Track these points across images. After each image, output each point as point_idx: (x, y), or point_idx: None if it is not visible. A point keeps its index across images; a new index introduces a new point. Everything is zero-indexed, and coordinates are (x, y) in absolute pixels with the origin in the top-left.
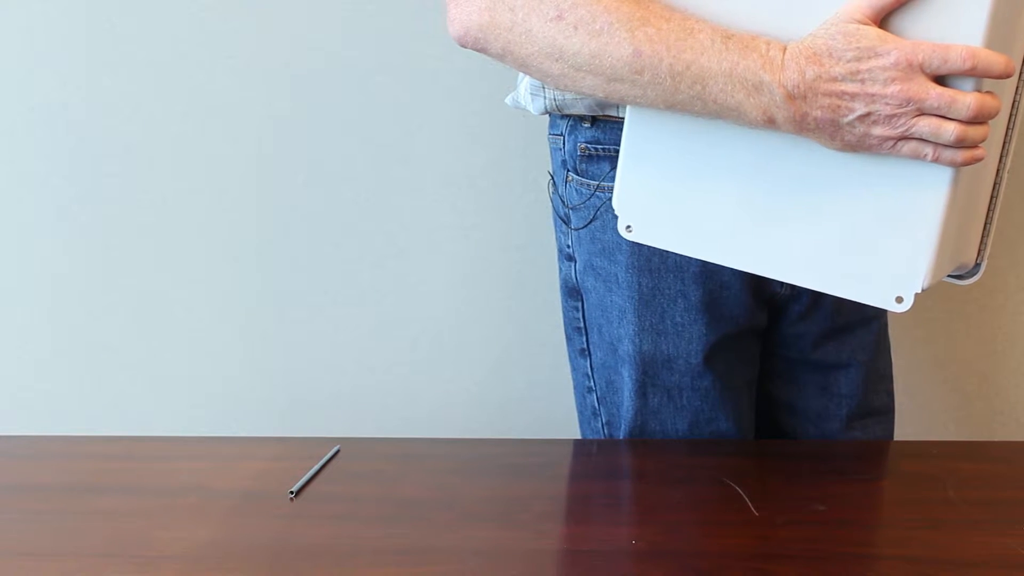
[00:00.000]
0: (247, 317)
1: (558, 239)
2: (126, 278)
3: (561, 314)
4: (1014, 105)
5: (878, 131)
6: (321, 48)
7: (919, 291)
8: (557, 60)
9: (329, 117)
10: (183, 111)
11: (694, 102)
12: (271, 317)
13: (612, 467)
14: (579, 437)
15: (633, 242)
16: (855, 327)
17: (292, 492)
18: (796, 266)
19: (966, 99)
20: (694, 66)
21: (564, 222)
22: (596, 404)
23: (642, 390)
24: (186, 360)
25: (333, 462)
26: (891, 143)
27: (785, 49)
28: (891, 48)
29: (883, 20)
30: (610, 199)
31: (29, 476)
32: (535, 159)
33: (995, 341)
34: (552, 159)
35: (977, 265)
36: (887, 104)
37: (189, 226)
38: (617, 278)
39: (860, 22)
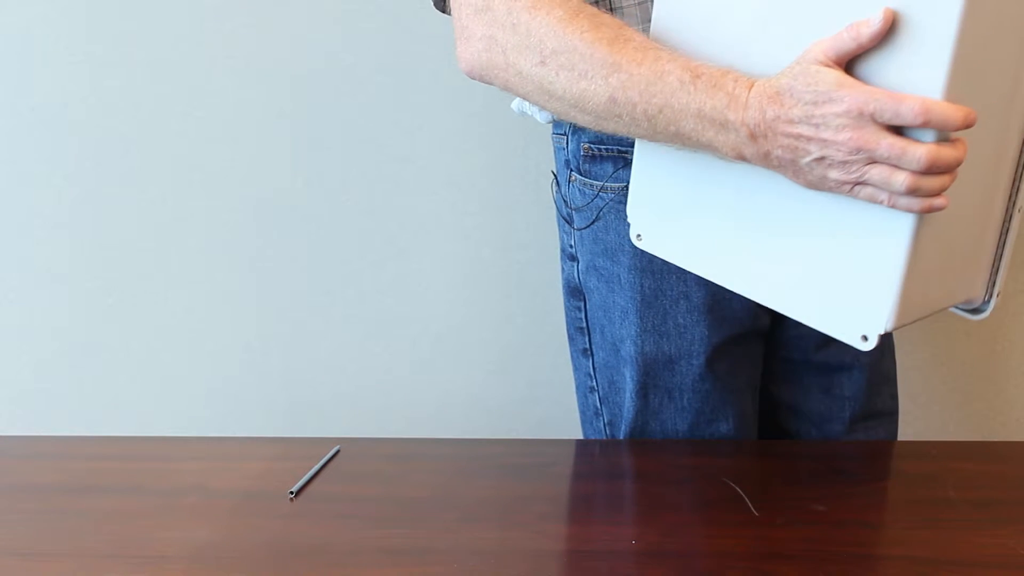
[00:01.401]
0: (247, 317)
1: (561, 239)
2: (126, 278)
3: (562, 314)
4: None
5: (834, 175)
6: (321, 48)
7: (882, 332)
8: (550, 98)
9: (329, 117)
10: (183, 111)
11: (673, 139)
12: (271, 317)
13: (612, 467)
14: (579, 437)
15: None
16: None
17: (292, 492)
18: (775, 292)
19: (917, 151)
20: (666, 109)
21: (567, 222)
22: (598, 404)
23: (643, 391)
24: (186, 360)
25: (333, 462)
26: (848, 187)
27: (752, 86)
28: (845, 95)
29: (851, 63)
30: (612, 200)
31: (29, 476)
32: (536, 159)
33: (995, 341)
34: (556, 158)
35: (987, 301)
36: (839, 151)
37: (189, 226)
38: (619, 279)
39: (822, 64)
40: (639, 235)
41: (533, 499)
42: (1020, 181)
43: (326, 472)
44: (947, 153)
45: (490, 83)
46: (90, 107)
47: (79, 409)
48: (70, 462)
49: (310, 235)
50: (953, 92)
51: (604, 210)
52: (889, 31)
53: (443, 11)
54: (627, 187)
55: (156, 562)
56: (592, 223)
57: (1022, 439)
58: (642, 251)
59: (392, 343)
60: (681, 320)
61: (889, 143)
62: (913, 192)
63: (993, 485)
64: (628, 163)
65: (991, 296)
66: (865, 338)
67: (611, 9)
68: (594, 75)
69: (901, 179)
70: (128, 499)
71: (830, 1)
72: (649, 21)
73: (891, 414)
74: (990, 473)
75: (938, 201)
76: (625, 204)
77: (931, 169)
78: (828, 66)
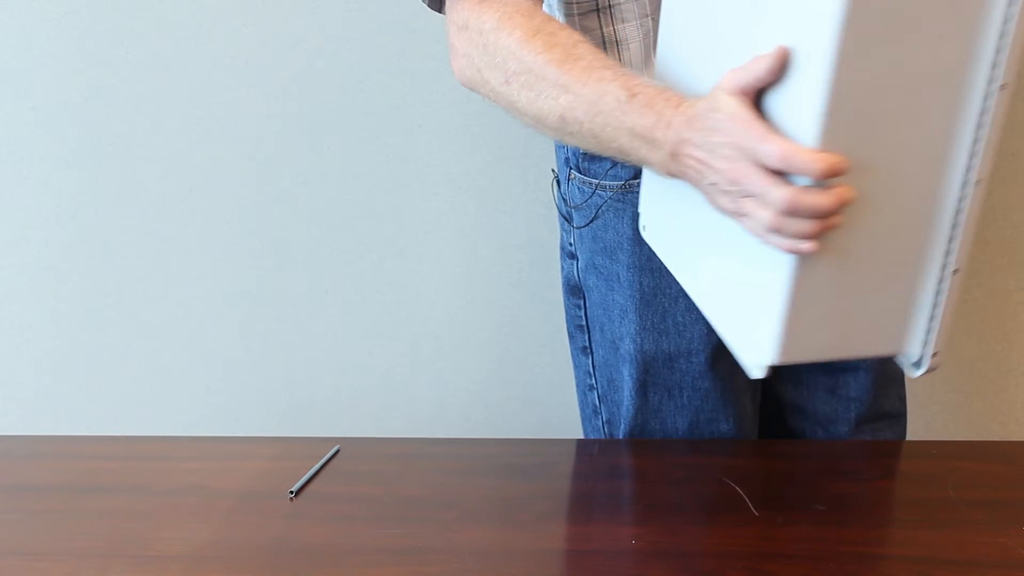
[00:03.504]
0: (247, 317)
1: (561, 237)
2: (126, 278)
3: (561, 314)
4: (962, 203)
5: (722, 202)
6: (321, 47)
7: (768, 364)
8: (517, 114)
9: (329, 117)
10: (183, 111)
11: (618, 154)
12: (271, 317)
13: (612, 467)
14: (579, 437)
15: (634, 242)
16: None
17: (292, 492)
18: (708, 304)
19: (776, 192)
20: (607, 127)
21: (567, 220)
22: (597, 402)
23: (642, 389)
24: (186, 360)
25: (333, 462)
26: (734, 216)
27: (680, 106)
28: (729, 127)
29: (759, 96)
30: (611, 198)
31: (29, 476)
32: (535, 159)
33: (995, 341)
34: (556, 156)
35: (922, 360)
36: (721, 179)
37: (189, 226)
38: (619, 277)
39: (728, 93)
40: (645, 225)
41: (533, 499)
42: (955, 240)
43: (326, 472)
44: (812, 199)
45: (479, 94)
46: (90, 107)
47: (79, 409)
48: (70, 462)
49: (310, 235)
50: (833, 140)
51: (603, 208)
52: (784, 69)
53: (439, 11)
54: (624, 185)
55: (156, 562)
56: (591, 221)
57: (1022, 439)
58: (641, 249)
59: (392, 343)
60: (680, 318)
61: (756, 180)
62: (775, 231)
63: (993, 485)
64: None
65: (926, 354)
66: (758, 367)
67: (610, 6)
68: (547, 95)
69: (764, 216)
70: (128, 499)
71: (752, 30)
72: (647, 16)
73: (899, 416)
74: (990, 473)
75: (803, 245)
76: (623, 203)
77: (792, 212)
78: (733, 95)
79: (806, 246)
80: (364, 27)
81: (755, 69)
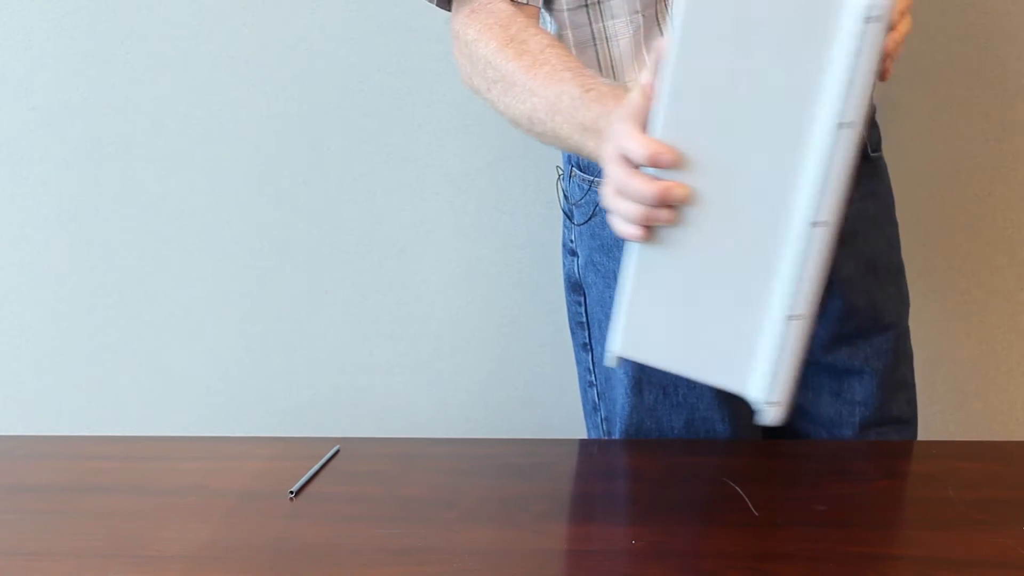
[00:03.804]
0: (247, 317)
1: (563, 234)
2: (126, 278)
3: (562, 313)
4: (803, 244)
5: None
6: (321, 47)
7: (613, 353)
8: (502, 117)
9: (329, 117)
10: (183, 111)
11: (578, 151)
12: (271, 317)
13: (612, 467)
14: (579, 437)
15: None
16: (870, 334)
17: (292, 492)
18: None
19: (610, 169)
20: (564, 125)
21: (568, 217)
22: (596, 399)
23: (638, 386)
24: (186, 360)
25: (333, 462)
26: None
27: (624, 99)
28: (613, 130)
29: None
30: None
31: (28, 476)
32: (535, 158)
33: (995, 341)
34: (561, 153)
35: (761, 408)
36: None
37: (189, 226)
38: (616, 274)
39: (633, 95)
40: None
41: (533, 499)
42: (797, 282)
43: (326, 472)
44: (635, 184)
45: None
46: (90, 107)
47: (79, 409)
48: (70, 462)
49: (310, 235)
50: (671, 134)
51: (600, 206)
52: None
53: (447, 8)
54: None
55: (156, 562)
56: (590, 219)
57: (1022, 439)
58: None
59: (392, 343)
60: None
61: (609, 160)
62: (611, 208)
63: (993, 485)
64: None
65: (767, 404)
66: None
67: (598, 2)
68: (518, 99)
69: (604, 192)
70: (128, 499)
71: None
72: (636, 12)
73: (908, 421)
74: (990, 473)
75: (629, 228)
76: None
77: (619, 191)
78: (636, 97)
79: (631, 229)
80: (364, 27)
81: (644, 74)
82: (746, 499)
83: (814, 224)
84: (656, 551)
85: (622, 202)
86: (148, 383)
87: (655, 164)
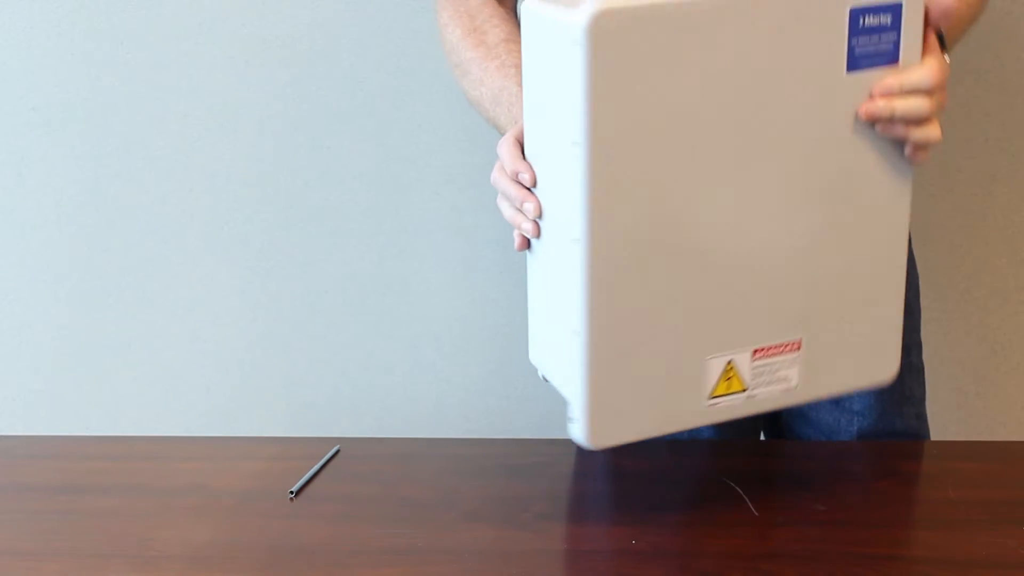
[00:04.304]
0: (248, 317)
1: None
2: (126, 278)
3: None
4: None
5: None
6: (321, 47)
7: (531, 360)
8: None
9: (329, 117)
10: (183, 111)
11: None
12: (271, 317)
13: (612, 467)
14: None
15: None
16: None
17: (292, 492)
18: None
19: (495, 171)
20: (502, 118)
21: None
22: None
23: None
24: (186, 360)
25: (333, 462)
26: None
27: None
28: (500, 144)
29: None
30: None
31: (28, 476)
32: None
33: (995, 341)
34: None
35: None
36: None
37: (189, 226)
38: None
39: None
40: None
41: (533, 499)
42: (575, 305)
43: (326, 472)
44: (502, 183)
45: None
46: (90, 107)
47: (79, 409)
48: (70, 462)
49: (310, 235)
50: (531, 160)
51: None
52: None
53: None
54: None
55: (156, 562)
56: None
57: (1022, 439)
58: None
59: (392, 343)
60: None
61: (497, 163)
62: (500, 208)
63: (993, 485)
64: None
65: (568, 418)
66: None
67: None
68: (471, 87)
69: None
70: (128, 499)
71: None
72: None
73: (913, 435)
74: (990, 473)
75: (520, 220)
76: None
77: (501, 193)
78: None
79: (516, 238)
80: (364, 27)
81: None
82: (746, 499)
83: (574, 240)
84: (656, 551)
85: (503, 204)
86: (148, 383)
87: (518, 181)
